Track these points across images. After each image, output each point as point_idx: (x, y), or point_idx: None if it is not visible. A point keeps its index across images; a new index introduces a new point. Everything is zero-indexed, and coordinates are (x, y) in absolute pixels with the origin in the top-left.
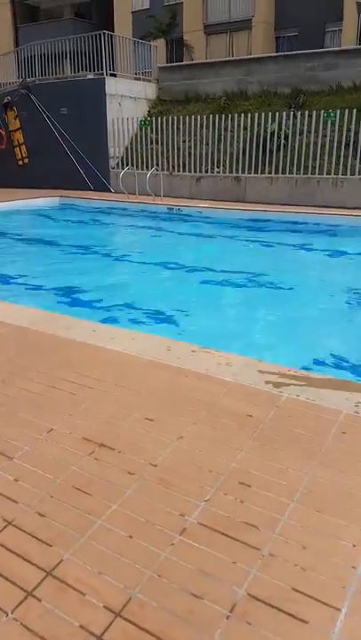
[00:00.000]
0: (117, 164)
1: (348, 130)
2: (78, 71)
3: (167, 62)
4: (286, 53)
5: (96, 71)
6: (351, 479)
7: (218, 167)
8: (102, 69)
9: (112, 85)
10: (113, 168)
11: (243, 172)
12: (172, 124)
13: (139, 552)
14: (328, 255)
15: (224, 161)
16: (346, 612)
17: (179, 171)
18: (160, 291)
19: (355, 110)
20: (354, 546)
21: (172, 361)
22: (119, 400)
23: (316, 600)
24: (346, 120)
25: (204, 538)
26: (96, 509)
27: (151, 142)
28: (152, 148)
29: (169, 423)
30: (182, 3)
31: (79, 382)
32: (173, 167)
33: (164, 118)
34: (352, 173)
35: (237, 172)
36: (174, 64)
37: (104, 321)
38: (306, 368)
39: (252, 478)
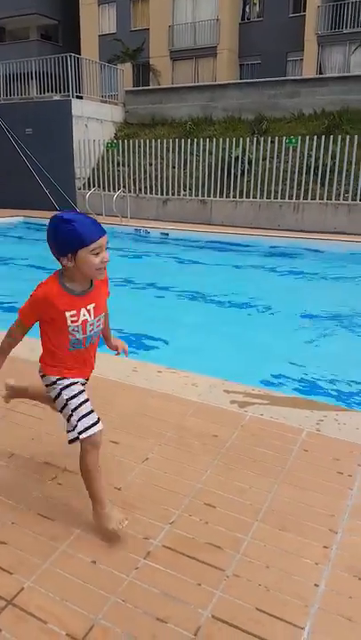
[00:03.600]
0: (84, 185)
1: (309, 156)
2: (44, 92)
3: (134, 86)
4: (250, 80)
5: (62, 93)
6: (313, 497)
7: (184, 190)
8: (69, 91)
9: (78, 107)
10: (79, 189)
11: (208, 195)
12: (139, 146)
13: (102, 577)
14: (291, 277)
15: (190, 184)
16: (309, 630)
17: (145, 193)
18: (125, 311)
19: (315, 137)
20: (316, 564)
21: (138, 382)
22: None
23: (280, 619)
24: (307, 146)
25: (169, 560)
26: (59, 535)
27: (118, 164)
28: (119, 170)
29: (134, 445)
30: (149, 28)
31: (41, 405)
32: (140, 189)
33: (131, 141)
34: (313, 198)
35: (203, 195)
36: (141, 88)
37: None
38: (270, 387)
39: (216, 499)
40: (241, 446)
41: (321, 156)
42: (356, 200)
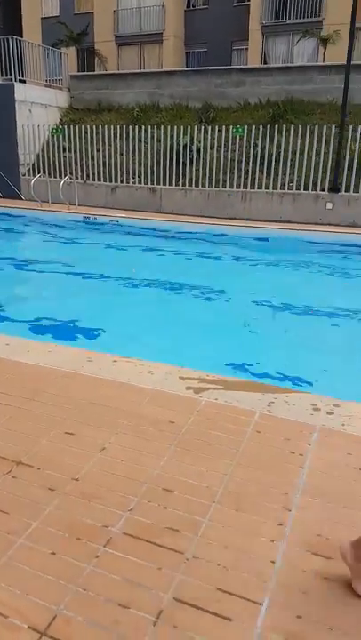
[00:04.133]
0: (28, 172)
1: (255, 145)
2: None
3: (79, 71)
4: (196, 68)
5: (4, 76)
6: (267, 477)
7: (133, 177)
8: (11, 75)
9: (21, 91)
10: (24, 175)
11: (158, 183)
12: (85, 132)
13: (63, 568)
14: (238, 264)
15: (139, 171)
16: (267, 605)
17: (94, 180)
18: (77, 301)
19: (261, 127)
20: (272, 541)
21: (92, 372)
22: (37, 416)
23: (239, 597)
24: (253, 136)
25: (129, 547)
26: (16, 529)
27: (64, 150)
28: (65, 157)
29: (90, 436)
30: (93, 12)
31: None
32: (88, 176)
33: (77, 127)
34: (259, 187)
35: (153, 183)
36: (86, 73)
37: (17, 334)
38: (223, 372)
39: (174, 484)
40: (197, 431)
41: (267, 146)
42: (300, 190)
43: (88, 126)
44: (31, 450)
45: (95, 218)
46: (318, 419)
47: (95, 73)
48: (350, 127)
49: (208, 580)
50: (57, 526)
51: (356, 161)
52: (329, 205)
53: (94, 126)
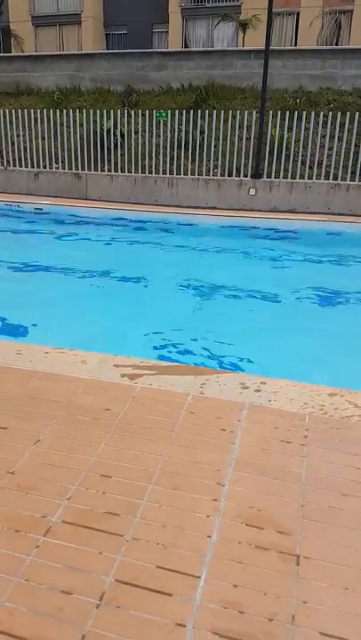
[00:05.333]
0: None
1: (180, 130)
2: None
3: None
4: (117, 51)
5: None
6: (201, 455)
7: (56, 163)
8: None
9: None
10: None
11: (82, 168)
12: (4, 116)
13: (3, 561)
14: (165, 250)
15: (63, 157)
16: (205, 577)
17: (15, 166)
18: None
19: (184, 111)
20: (208, 516)
21: (23, 364)
22: None
23: (178, 572)
24: (177, 120)
25: (69, 534)
26: None
27: None
28: None
29: (24, 429)
30: None
31: None
32: (8, 162)
33: None
34: (185, 173)
35: (77, 168)
36: (2, 55)
37: None
38: (157, 358)
39: (111, 469)
40: (133, 416)
41: (190, 131)
42: (224, 176)
43: (6, 110)
44: None
45: (18, 205)
46: (247, 396)
47: (12, 54)
48: (270, 112)
49: (148, 560)
50: None
51: (276, 146)
52: (252, 191)
53: (13, 110)
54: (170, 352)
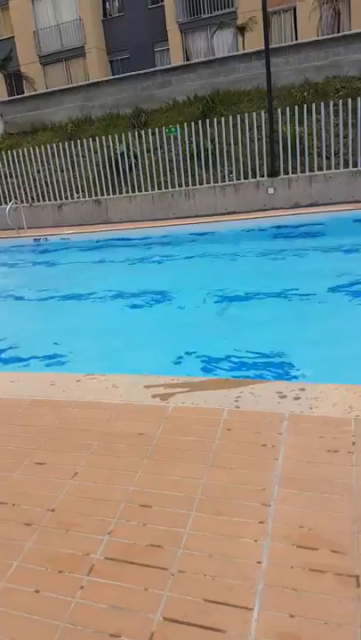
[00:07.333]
0: None
1: (190, 142)
2: None
3: (8, 96)
4: (121, 75)
5: None
6: (242, 475)
7: (77, 192)
8: None
9: None
10: None
11: (102, 194)
12: (24, 155)
13: (48, 605)
14: (188, 262)
15: (82, 186)
16: (258, 609)
17: (39, 201)
18: (44, 325)
19: (193, 123)
20: (256, 541)
21: (57, 395)
22: (5, 450)
23: (229, 605)
24: (186, 133)
25: (113, 571)
26: None
27: (5, 177)
28: (7, 182)
29: (61, 462)
30: (14, 36)
31: None
32: (33, 198)
33: (14, 151)
34: (200, 183)
35: (97, 194)
36: (16, 97)
37: None
38: (188, 374)
39: (150, 498)
40: (168, 439)
41: (201, 141)
42: (240, 179)
43: (25, 149)
44: (3, 486)
45: (46, 239)
46: (286, 406)
47: (24, 95)
48: (278, 110)
49: (195, 593)
50: (38, 562)
51: (290, 142)
52: (271, 190)
53: (31, 148)
54: (201, 366)
